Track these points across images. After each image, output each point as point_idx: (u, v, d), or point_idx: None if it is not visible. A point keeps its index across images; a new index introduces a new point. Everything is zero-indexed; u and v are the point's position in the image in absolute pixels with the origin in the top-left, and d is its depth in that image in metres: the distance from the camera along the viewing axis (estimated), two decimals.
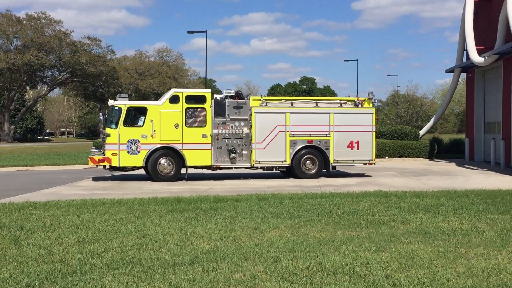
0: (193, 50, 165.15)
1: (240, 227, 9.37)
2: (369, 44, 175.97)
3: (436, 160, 29.42)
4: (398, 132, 31.18)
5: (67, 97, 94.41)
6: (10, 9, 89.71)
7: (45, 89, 63.67)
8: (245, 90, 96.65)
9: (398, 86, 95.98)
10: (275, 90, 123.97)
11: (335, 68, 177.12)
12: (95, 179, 19.24)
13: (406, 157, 29.75)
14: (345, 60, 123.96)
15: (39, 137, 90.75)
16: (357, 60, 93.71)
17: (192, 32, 46.14)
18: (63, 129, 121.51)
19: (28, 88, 66.90)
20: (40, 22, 49.52)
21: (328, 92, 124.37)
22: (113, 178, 19.25)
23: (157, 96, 72.30)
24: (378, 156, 28.88)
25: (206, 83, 55.22)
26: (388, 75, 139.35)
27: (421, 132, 32.69)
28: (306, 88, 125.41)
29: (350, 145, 19.56)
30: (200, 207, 11.58)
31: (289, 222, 9.86)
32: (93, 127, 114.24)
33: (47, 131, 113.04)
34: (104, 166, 18.43)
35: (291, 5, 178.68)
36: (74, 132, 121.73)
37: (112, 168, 18.54)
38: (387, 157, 29.28)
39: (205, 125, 18.67)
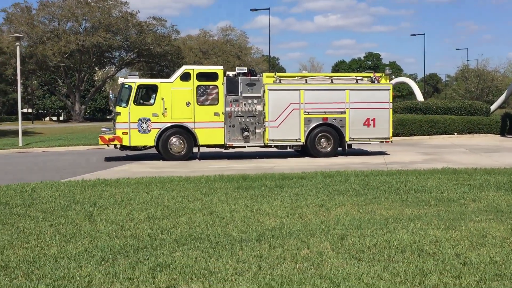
0: (257, 28, 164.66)
1: (306, 204, 9.38)
2: (437, 18, 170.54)
3: (508, 136, 28.43)
4: (468, 107, 30.29)
5: None
6: None
7: (113, 69, 65.26)
8: (309, 67, 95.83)
9: (467, 60, 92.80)
10: (339, 67, 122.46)
11: (401, 43, 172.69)
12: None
13: (476, 133, 28.87)
14: (411, 35, 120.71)
15: (108, 117, 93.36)
16: (424, 34, 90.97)
17: (256, 9, 46.16)
18: None
19: (97, 69, 68.69)
20: (107, 4, 50.60)
21: (394, 68, 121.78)
22: None
23: None
24: (446, 132, 28.22)
25: (270, 60, 55.12)
26: (457, 49, 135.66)
27: (492, 107, 31.63)
28: (371, 64, 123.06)
29: (366, 123, 19.04)
30: (266, 184, 11.65)
31: (355, 199, 9.79)
32: None
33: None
34: (115, 145, 18.25)
35: None
36: None
37: (123, 148, 18.33)
38: (456, 133, 28.49)
39: (217, 103, 18.31)
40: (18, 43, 26.48)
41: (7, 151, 24.14)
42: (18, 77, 25.95)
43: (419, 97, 38.80)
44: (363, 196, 10.08)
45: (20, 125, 26.64)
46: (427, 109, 30.71)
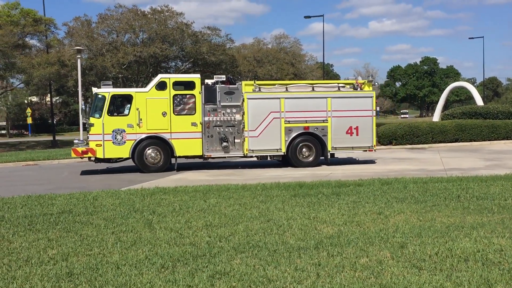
0: (311, 35, 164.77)
1: (364, 212, 9.26)
2: (496, 20, 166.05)
3: None
4: None
5: None
6: (136, 5, 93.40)
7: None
8: (363, 73, 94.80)
9: None
10: (394, 72, 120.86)
11: (459, 47, 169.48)
12: (219, 166, 19.73)
13: None
14: (469, 38, 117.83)
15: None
16: (482, 37, 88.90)
17: (309, 17, 46.09)
18: None
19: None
20: (163, 15, 51.53)
21: (451, 72, 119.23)
22: (233, 165, 19.66)
23: None
24: (508, 137, 27.35)
25: (324, 67, 54.88)
26: None
27: None
28: (428, 69, 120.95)
29: (349, 131, 18.49)
30: (322, 192, 11.57)
31: (414, 207, 9.60)
32: None
33: None
34: (89, 158, 17.66)
35: None
36: None
37: (97, 160, 17.78)
38: None
39: (195, 113, 17.83)
40: (79, 56, 27.29)
41: (69, 160, 24.84)
42: (79, 89, 26.70)
43: (479, 101, 37.81)
44: (422, 204, 9.88)
45: (81, 135, 27.38)
46: (487, 114, 29.89)
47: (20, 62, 40.45)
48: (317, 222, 8.55)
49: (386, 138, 27.52)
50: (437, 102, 51.75)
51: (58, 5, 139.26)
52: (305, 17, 45.07)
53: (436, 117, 37.05)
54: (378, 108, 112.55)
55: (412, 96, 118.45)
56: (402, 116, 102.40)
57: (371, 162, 19.48)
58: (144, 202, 10.90)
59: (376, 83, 19.16)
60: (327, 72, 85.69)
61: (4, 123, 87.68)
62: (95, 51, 48.82)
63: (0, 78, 42.97)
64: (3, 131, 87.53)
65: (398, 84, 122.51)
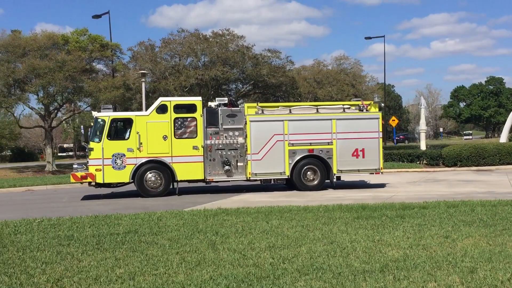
0: (371, 56, 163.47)
1: (430, 235, 9.04)
2: None
3: None
4: None
5: None
6: (198, 29, 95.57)
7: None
8: (425, 94, 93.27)
9: None
10: (458, 92, 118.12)
11: None
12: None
13: None
14: None
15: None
16: None
17: (370, 38, 45.85)
18: None
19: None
20: (224, 39, 52.28)
21: None
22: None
23: None
24: None
25: (385, 88, 54.28)
26: None
27: None
28: (493, 88, 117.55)
29: (355, 153, 17.99)
30: (386, 214, 11.38)
31: (483, 230, 9.30)
32: None
33: None
34: (89, 183, 17.29)
35: (476, 3, 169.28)
36: None
37: (98, 185, 17.41)
38: None
39: (196, 136, 17.49)
40: (143, 79, 28.05)
41: None
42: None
43: None
44: (491, 227, 9.56)
45: None
46: None
47: (88, 86, 41.86)
48: (381, 245, 8.40)
49: (450, 159, 26.87)
50: (503, 122, 50.16)
51: (123, 31, 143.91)
52: (366, 38, 44.88)
53: (504, 138, 35.90)
54: (441, 129, 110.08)
55: (477, 116, 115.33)
56: (465, 137, 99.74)
57: (381, 186, 19.02)
58: (207, 222, 11.00)
59: (382, 104, 18.68)
60: (388, 93, 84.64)
61: (72, 145, 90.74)
62: (158, 75, 50.04)
63: (69, 102, 44.54)
64: (71, 153, 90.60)
65: (462, 104, 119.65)
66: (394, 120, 47.31)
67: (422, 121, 33.35)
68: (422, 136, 33.34)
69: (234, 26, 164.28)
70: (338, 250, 8.11)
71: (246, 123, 17.67)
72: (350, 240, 8.81)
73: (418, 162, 28.48)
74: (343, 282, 6.40)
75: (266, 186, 19.64)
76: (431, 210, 11.77)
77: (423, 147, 32.28)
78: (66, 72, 39.72)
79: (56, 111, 45.06)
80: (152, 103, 18.78)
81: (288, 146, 17.74)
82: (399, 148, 34.51)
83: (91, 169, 17.09)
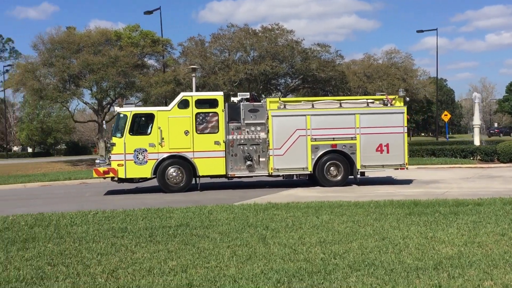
0: (423, 50, 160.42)
1: (485, 232, 8.83)
2: None
3: None
4: None
5: None
6: (248, 24, 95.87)
7: (278, 96, 67.06)
8: (479, 88, 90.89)
9: None
10: None
11: None
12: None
13: None
14: None
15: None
16: None
17: (422, 31, 44.96)
18: None
19: (264, 96, 71.03)
20: (273, 33, 52.24)
21: None
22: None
23: None
24: None
25: (437, 82, 53.20)
26: None
27: None
28: None
29: (379, 149, 17.67)
30: (439, 210, 11.17)
31: None
32: None
33: None
34: (112, 178, 17.37)
35: None
36: None
37: (120, 180, 17.47)
38: None
39: (218, 131, 17.45)
40: (193, 74, 28.27)
41: None
42: None
43: None
44: None
45: None
46: None
47: (139, 81, 42.62)
48: (435, 242, 8.26)
49: (506, 155, 26.13)
50: None
51: (174, 26, 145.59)
52: (418, 31, 44.08)
53: None
54: (496, 124, 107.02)
55: None
56: None
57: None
58: (257, 217, 11.05)
59: (407, 99, 18.32)
60: (440, 87, 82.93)
61: None
62: (208, 70, 50.43)
63: (121, 97, 45.46)
64: None
65: None
66: (446, 115, 46.36)
67: (476, 116, 32.60)
68: (476, 131, 32.58)
69: (283, 21, 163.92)
70: (390, 246, 8.02)
71: (268, 118, 17.61)
72: (403, 236, 8.70)
73: (471, 158, 27.83)
74: (396, 278, 6.33)
75: (288, 182, 19.16)
76: (486, 207, 11.49)
77: (476, 142, 31.53)
78: (119, 67, 40.52)
79: (109, 105, 46.06)
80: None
81: (311, 141, 17.60)
82: (452, 144, 33.80)
83: (113, 164, 17.20)
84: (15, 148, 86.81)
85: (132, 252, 8.14)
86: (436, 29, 47.89)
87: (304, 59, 54.33)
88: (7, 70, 72.45)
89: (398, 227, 9.53)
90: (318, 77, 54.88)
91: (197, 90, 41.03)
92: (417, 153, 30.65)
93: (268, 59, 50.80)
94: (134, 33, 46.90)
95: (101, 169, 17.35)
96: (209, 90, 51.10)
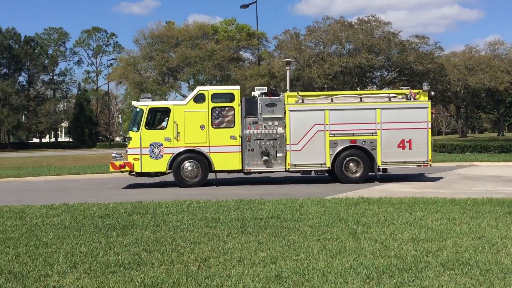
0: None
1: None
2: None
3: None
4: None
5: None
6: (343, 16, 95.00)
7: (374, 89, 66.01)
8: None
9: None
10: None
11: None
12: (425, 178, 19.09)
13: None
14: None
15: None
16: None
17: None
18: None
19: (358, 89, 70.25)
20: (370, 25, 51.43)
21: None
22: (462, 176, 18.88)
23: (488, 92, 68.51)
24: None
25: None
26: None
27: None
28: None
29: (401, 145, 17.11)
30: None
31: None
32: None
33: None
34: (130, 172, 17.33)
35: None
36: None
37: (138, 174, 17.37)
38: None
39: (234, 126, 17.16)
40: (287, 67, 28.44)
41: None
42: None
43: None
44: None
45: None
46: None
47: (235, 74, 43.33)
48: None
49: None
50: None
51: (269, 20, 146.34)
52: None
53: None
54: None
55: None
56: None
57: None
58: (348, 211, 10.97)
59: (432, 93, 17.25)
60: None
61: None
62: (303, 63, 50.43)
63: None
64: None
65: None
66: None
67: None
68: None
69: (381, 12, 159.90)
70: (486, 246, 7.72)
71: (285, 113, 17.30)
72: (501, 236, 8.35)
73: None
74: (492, 279, 6.10)
75: (311, 177, 18.89)
76: None
77: None
78: (215, 60, 41.39)
79: None
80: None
81: (329, 136, 17.25)
82: None
83: (130, 158, 17.23)
84: (117, 139, 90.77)
85: (224, 242, 8.34)
86: None
87: (401, 51, 53.14)
88: (111, 64, 76.21)
89: (497, 226, 9.15)
90: (416, 70, 53.51)
91: (291, 84, 41.20)
92: None
93: (364, 51, 50.12)
94: (230, 26, 47.73)
95: (117, 163, 17.42)
96: (303, 84, 51.19)
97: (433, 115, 17.16)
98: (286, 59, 31.33)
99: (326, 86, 52.56)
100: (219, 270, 6.74)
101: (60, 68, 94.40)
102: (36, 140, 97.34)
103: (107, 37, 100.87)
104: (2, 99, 76.75)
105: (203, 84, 44.58)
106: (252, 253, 7.55)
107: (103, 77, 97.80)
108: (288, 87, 28.16)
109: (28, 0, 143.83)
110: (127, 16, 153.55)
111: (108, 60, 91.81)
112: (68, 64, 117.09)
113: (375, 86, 65.36)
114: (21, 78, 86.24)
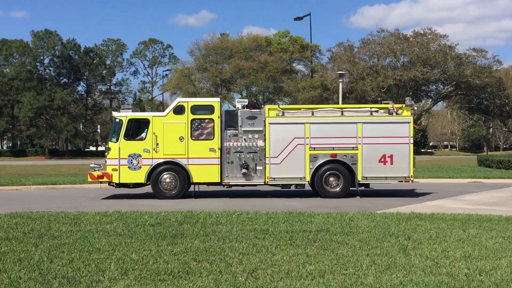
0: None
1: None
2: None
3: None
4: None
5: (450, 110, 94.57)
6: (399, 28, 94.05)
7: (429, 103, 64.87)
8: None
9: None
10: None
11: None
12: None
13: None
14: None
15: (422, 150, 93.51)
16: None
17: None
18: (446, 142, 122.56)
19: (413, 102, 69.24)
20: (425, 38, 50.70)
21: None
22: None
23: None
24: None
25: None
26: None
27: None
28: None
29: (382, 160, 16.82)
30: None
31: None
32: (477, 140, 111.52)
33: (430, 144, 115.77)
34: (109, 182, 17.18)
35: None
36: (457, 145, 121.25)
37: (118, 185, 17.16)
38: None
39: (213, 138, 17.02)
40: (340, 80, 28.32)
41: None
42: None
43: None
44: None
45: None
46: None
47: (287, 86, 43.41)
48: None
49: None
50: None
51: (323, 32, 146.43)
52: None
53: None
54: None
55: None
56: None
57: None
58: (399, 226, 10.80)
59: (415, 108, 16.64)
60: None
61: None
62: (356, 75, 50.10)
63: (269, 101, 46.66)
64: None
65: None
66: None
67: None
68: None
69: (438, 25, 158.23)
70: None
71: (266, 126, 17.14)
72: None
73: None
74: None
75: (293, 191, 18.72)
76: None
77: None
78: (268, 72, 41.58)
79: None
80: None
81: (309, 150, 17.05)
82: None
83: (108, 169, 17.16)
84: None
85: (272, 254, 8.34)
86: None
87: (457, 64, 52.14)
88: (166, 75, 77.55)
89: None
90: (473, 84, 52.38)
91: (344, 96, 40.94)
92: None
93: (419, 64, 49.43)
94: (284, 39, 47.90)
95: (96, 173, 17.37)
96: (356, 96, 50.80)
97: (415, 129, 16.93)
98: (339, 72, 31.21)
99: (379, 99, 52.04)
100: (266, 282, 6.75)
101: (117, 78, 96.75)
102: (92, 148, 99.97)
103: (163, 49, 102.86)
104: (62, 108, 79.19)
105: (255, 96, 44.87)
106: (300, 266, 7.53)
107: (158, 87, 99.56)
108: (340, 100, 28.03)
109: (88, 13, 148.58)
110: (183, 28, 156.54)
111: (163, 71, 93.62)
112: (125, 75, 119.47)
113: (430, 100, 64.23)
114: (79, 88, 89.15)
